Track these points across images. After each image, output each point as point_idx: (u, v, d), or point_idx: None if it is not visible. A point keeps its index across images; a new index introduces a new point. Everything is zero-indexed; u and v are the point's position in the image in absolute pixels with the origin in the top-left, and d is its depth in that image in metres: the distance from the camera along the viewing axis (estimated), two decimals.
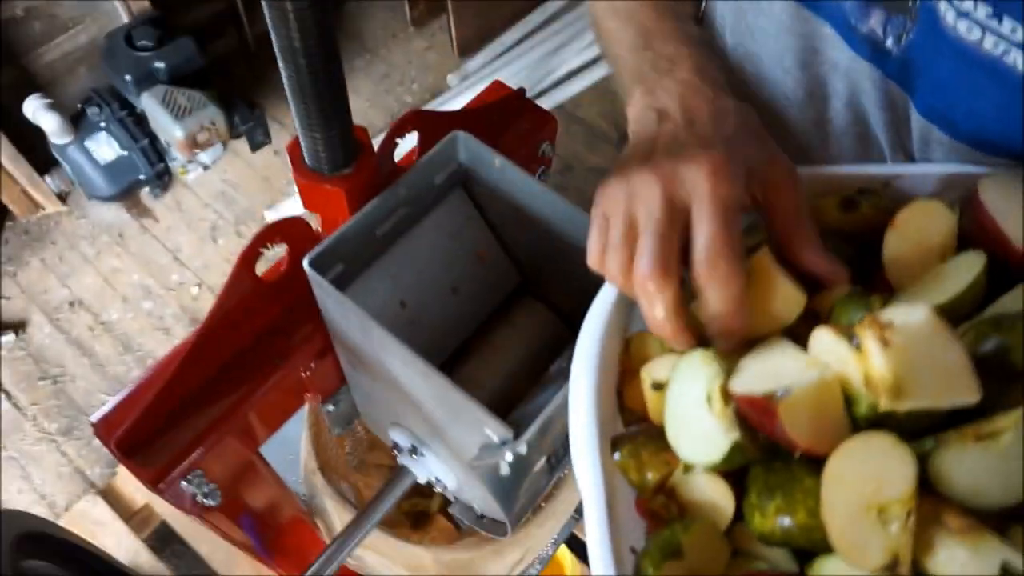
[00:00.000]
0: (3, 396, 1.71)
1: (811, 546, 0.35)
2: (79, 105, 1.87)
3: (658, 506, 0.39)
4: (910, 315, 0.34)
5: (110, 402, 0.57)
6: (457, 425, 0.51)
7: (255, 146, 2.07)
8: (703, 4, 0.61)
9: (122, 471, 1.54)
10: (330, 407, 0.68)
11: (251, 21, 2.14)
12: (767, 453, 0.36)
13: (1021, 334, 0.34)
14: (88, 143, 1.84)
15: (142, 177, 1.91)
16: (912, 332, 0.33)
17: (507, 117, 0.71)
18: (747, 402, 0.34)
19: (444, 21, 2.31)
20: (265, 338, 0.59)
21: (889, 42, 0.45)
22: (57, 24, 1.82)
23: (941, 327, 0.33)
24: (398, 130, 0.59)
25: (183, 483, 0.56)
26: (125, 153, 1.86)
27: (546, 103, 2.15)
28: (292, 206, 1.97)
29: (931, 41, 0.43)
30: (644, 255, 0.37)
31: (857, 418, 0.34)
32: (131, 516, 1.50)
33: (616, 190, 0.40)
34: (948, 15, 0.42)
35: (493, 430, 0.45)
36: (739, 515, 0.38)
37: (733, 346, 0.38)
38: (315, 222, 0.59)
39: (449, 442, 0.55)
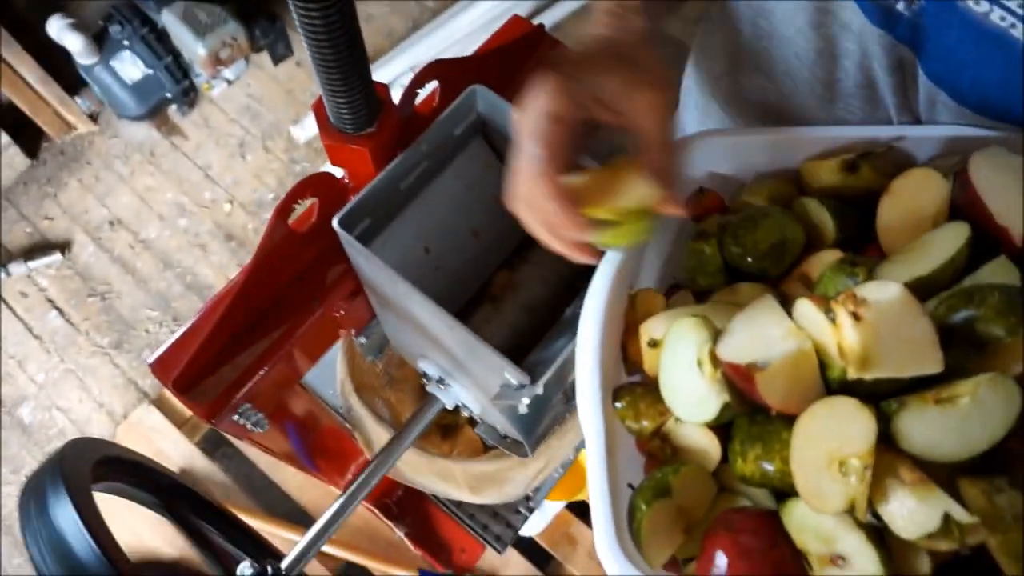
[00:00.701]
0: (57, 313, 1.81)
1: (787, 488, 0.40)
2: (101, 22, 1.87)
3: (654, 448, 0.44)
4: (883, 292, 0.37)
5: (164, 344, 0.62)
6: (479, 367, 0.55)
7: (277, 59, 2.06)
8: None
9: None
10: (363, 339, 0.74)
11: None
12: (751, 408, 0.40)
13: (990, 307, 0.36)
14: (114, 63, 1.85)
15: (168, 95, 1.92)
16: (883, 308, 0.36)
17: (526, 54, 0.72)
18: (731, 368, 0.38)
19: None
20: (301, 283, 0.64)
21: (900, 5, 0.45)
22: None
23: (911, 304, 0.36)
24: (418, 82, 0.61)
25: (235, 416, 0.63)
26: (150, 71, 1.87)
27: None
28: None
29: (941, 9, 0.44)
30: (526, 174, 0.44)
31: (830, 380, 0.38)
32: (183, 423, 1.62)
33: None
34: None
35: (512, 375, 0.50)
36: (725, 457, 0.43)
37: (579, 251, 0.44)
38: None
39: (473, 378, 0.60)
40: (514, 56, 0.71)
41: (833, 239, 0.47)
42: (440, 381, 0.67)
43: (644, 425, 0.44)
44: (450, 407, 0.69)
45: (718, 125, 0.67)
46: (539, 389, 0.50)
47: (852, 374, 0.36)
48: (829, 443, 0.36)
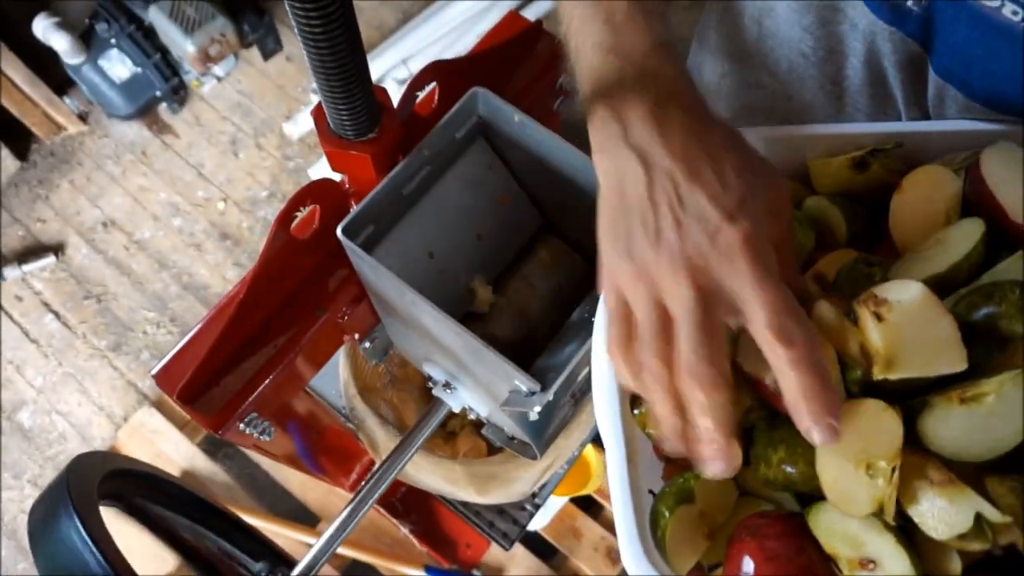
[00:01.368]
0: (53, 316, 1.80)
1: (812, 491, 0.39)
2: (87, 21, 1.85)
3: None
4: (904, 292, 0.36)
5: (167, 356, 0.61)
6: (487, 373, 0.55)
7: (267, 54, 2.04)
8: None
9: None
10: (367, 344, 0.73)
11: None
12: (771, 411, 0.40)
13: (1012, 304, 0.36)
14: (101, 61, 1.83)
15: (158, 93, 1.91)
16: (905, 308, 0.36)
17: (523, 52, 0.71)
18: (753, 380, 0.37)
19: None
20: (304, 290, 0.63)
21: (910, 2, 0.45)
22: None
23: (932, 303, 0.36)
24: (417, 84, 0.60)
25: (240, 425, 0.62)
26: (139, 70, 1.85)
27: None
28: (309, 117, 1.96)
29: (951, 5, 0.43)
30: (691, 356, 0.33)
31: (850, 382, 0.38)
32: (184, 424, 1.61)
33: (635, 281, 0.36)
34: None
35: (522, 382, 0.49)
36: (747, 461, 0.43)
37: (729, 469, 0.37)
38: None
39: (480, 383, 0.59)
40: (512, 54, 0.70)
41: (844, 238, 0.47)
42: (446, 385, 0.66)
43: None
44: (457, 410, 0.69)
45: None
46: (550, 396, 0.49)
47: (878, 375, 0.36)
48: (855, 446, 0.36)
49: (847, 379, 0.38)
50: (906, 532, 0.36)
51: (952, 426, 0.36)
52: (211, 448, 1.61)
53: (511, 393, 0.53)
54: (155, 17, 1.78)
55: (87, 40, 1.82)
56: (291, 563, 0.69)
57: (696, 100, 0.39)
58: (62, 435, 1.69)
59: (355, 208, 0.53)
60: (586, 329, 0.54)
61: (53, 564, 0.47)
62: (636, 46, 0.40)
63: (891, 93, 0.52)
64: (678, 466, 0.45)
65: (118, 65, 1.84)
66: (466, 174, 0.61)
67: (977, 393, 0.35)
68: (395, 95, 0.57)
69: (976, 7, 0.42)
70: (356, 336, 0.72)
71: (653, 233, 0.35)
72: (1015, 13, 0.40)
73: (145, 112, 1.95)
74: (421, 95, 0.62)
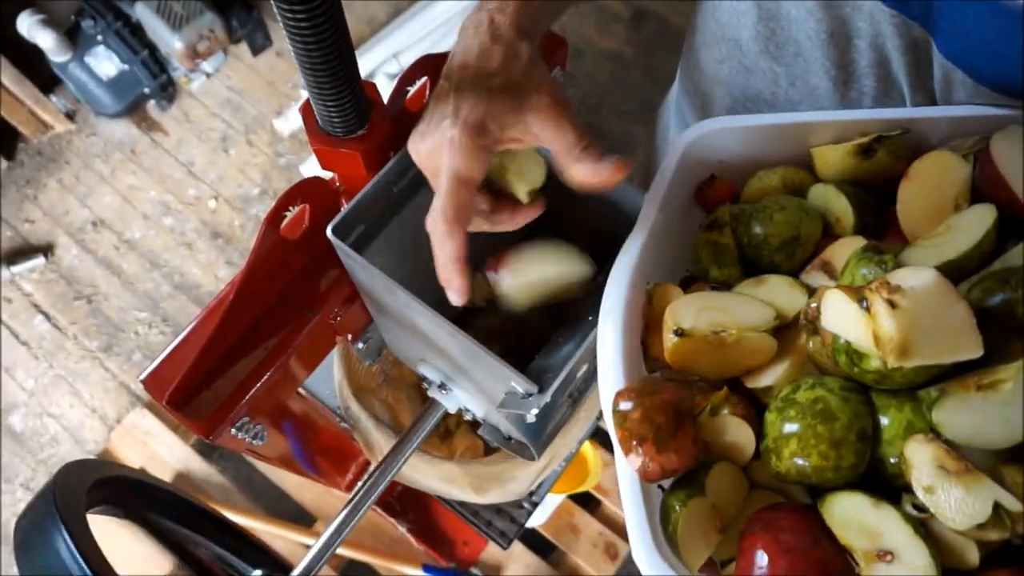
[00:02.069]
0: (43, 317, 1.78)
1: (823, 483, 0.39)
2: (72, 18, 1.82)
3: None
4: (917, 278, 0.35)
5: (156, 360, 0.60)
6: (483, 374, 0.54)
7: (256, 50, 2.02)
8: None
9: None
10: (360, 345, 0.72)
11: None
12: (784, 403, 0.39)
13: None
14: (88, 59, 1.80)
15: (146, 90, 1.88)
16: (919, 294, 0.35)
17: None
18: None
19: None
20: (294, 291, 0.62)
21: None
22: None
23: (946, 288, 0.35)
24: (408, 78, 0.59)
25: (232, 430, 0.61)
26: (126, 67, 1.83)
27: None
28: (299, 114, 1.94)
29: None
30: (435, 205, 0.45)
31: (867, 371, 0.37)
32: (178, 426, 1.59)
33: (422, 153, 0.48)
34: None
35: (519, 384, 0.48)
36: (757, 454, 0.42)
37: (459, 298, 0.47)
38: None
39: (476, 385, 0.58)
40: None
41: (852, 227, 0.46)
42: (442, 386, 0.65)
43: None
44: (452, 411, 0.68)
45: (722, 113, 0.65)
46: (547, 398, 0.48)
47: (892, 363, 0.35)
48: None
49: (861, 368, 0.37)
50: (923, 524, 0.36)
51: (968, 413, 0.35)
52: (206, 449, 1.60)
53: (507, 395, 0.52)
54: (142, 13, 1.75)
55: (73, 37, 1.80)
56: (287, 568, 0.67)
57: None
58: (54, 438, 1.68)
59: (345, 207, 0.51)
60: (583, 328, 0.53)
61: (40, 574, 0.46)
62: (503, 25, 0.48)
63: (896, 78, 0.51)
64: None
65: (105, 62, 1.81)
66: None
67: (995, 380, 0.35)
68: (386, 90, 0.56)
69: None
70: (349, 337, 0.70)
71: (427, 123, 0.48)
72: None
73: (133, 110, 1.93)
74: (412, 90, 0.60)
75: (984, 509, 0.34)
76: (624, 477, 0.41)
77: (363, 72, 0.50)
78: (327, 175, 0.60)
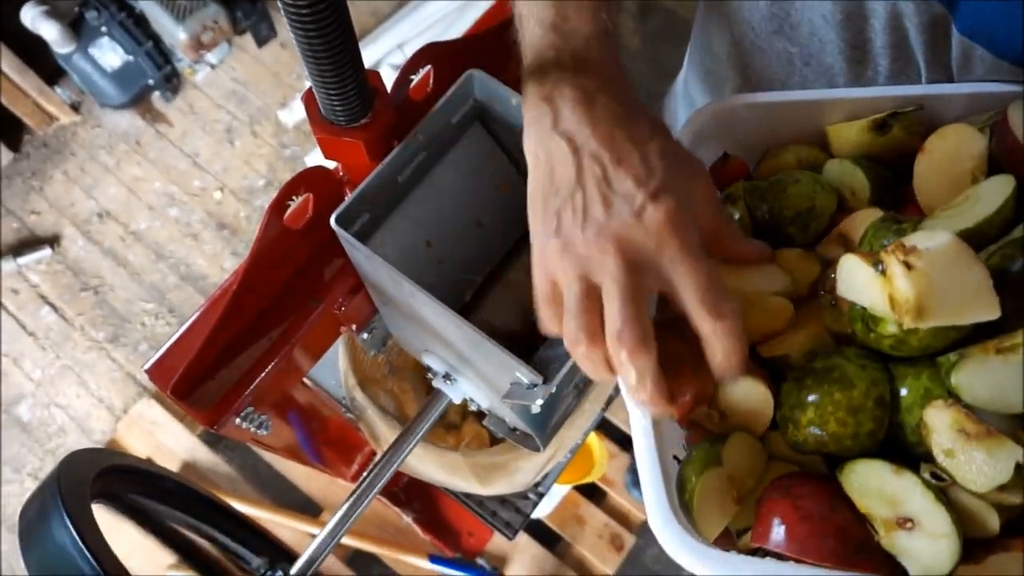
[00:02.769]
0: (50, 308, 1.78)
1: (840, 452, 0.38)
2: (76, 9, 1.82)
3: (701, 416, 0.42)
4: (933, 240, 0.35)
5: (160, 349, 0.60)
6: (488, 364, 0.53)
7: (261, 41, 2.01)
8: None
9: None
10: (365, 335, 0.72)
11: None
12: (801, 372, 0.39)
13: None
14: (92, 50, 1.80)
15: (151, 82, 1.88)
16: (934, 256, 0.35)
17: None
18: None
19: None
20: (299, 281, 0.61)
21: None
22: None
23: (962, 249, 0.35)
24: (411, 67, 0.58)
25: (237, 420, 0.61)
26: (131, 58, 1.82)
27: None
28: None
29: None
30: (618, 321, 0.36)
31: (884, 336, 0.36)
32: (184, 416, 1.60)
33: (561, 256, 0.38)
34: None
35: (523, 374, 0.48)
36: (774, 425, 0.41)
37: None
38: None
39: (481, 375, 0.58)
40: (509, 36, 0.68)
41: (868, 199, 0.45)
42: (446, 376, 0.65)
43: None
44: (457, 402, 0.67)
45: (735, 92, 0.64)
46: (552, 388, 0.48)
47: (908, 324, 0.34)
48: None
49: (878, 332, 0.37)
50: (943, 491, 0.36)
51: (988, 376, 0.35)
52: (212, 440, 1.60)
53: (512, 385, 0.52)
54: (145, 4, 1.75)
55: (77, 29, 1.80)
56: (292, 557, 0.67)
57: (627, 92, 0.40)
58: (61, 428, 1.68)
59: (349, 196, 0.51)
60: None
61: (43, 566, 0.46)
62: (577, 31, 0.41)
63: (913, 56, 0.50)
64: (704, 430, 0.44)
65: (109, 53, 1.81)
66: (463, 161, 0.59)
67: (1015, 343, 0.34)
68: (391, 81, 0.55)
69: None
70: (353, 327, 0.70)
71: (581, 212, 0.37)
72: None
73: (138, 101, 1.93)
74: (415, 79, 0.60)
75: (1006, 470, 0.34)
76: (640, 447, 0.41)
77: (367, 63, 0.49)
78: (332, 165, 0.60)
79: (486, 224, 0.62)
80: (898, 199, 0.47)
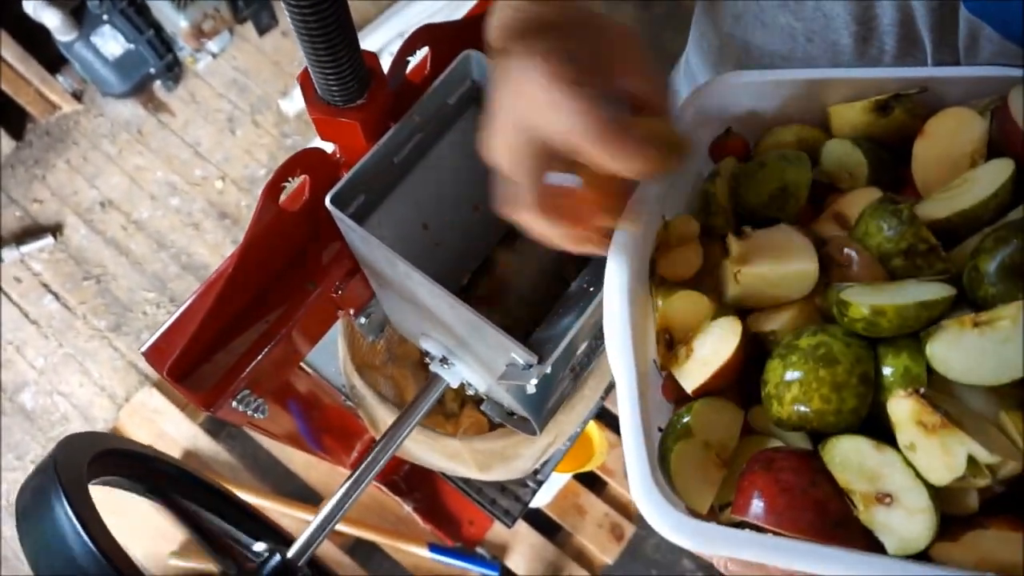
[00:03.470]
0: (52, 297, 1.79)
1: (823, 428, 0.38)
2: None
3: (669, 359, 0.43)
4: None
5: (156, 332, 0.60)
6: (484, 346, 0.53)
7: (262, 30, 2.01)
8: None
9: None
10: (362, 319, 0.71)
11: None
12: (786, 349, 0.39)
13: None
14: (94, 38, 1.80)
15: (152, 70, 1.88)
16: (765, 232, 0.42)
17: None
18: None
19: None
20: (295, 264, 0.61)
21: None
22: None
23: (790, 230, 0.43)
24: (408, 48, 0.58)
25: (233, 403, 0.61)
26: (132, 46, 1.82)
27: None
28: None
29: None
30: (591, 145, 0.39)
31: (856, 320, 0.38)
32: (186, 404, 1.60)
33: (511, 126, 0.41)
34: None
35: (519, 355, 0.48)
36: (757, 399, 0.41)
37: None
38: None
39: (477, 357, 0.58)
40: None
41: (865, 179, 0.45)
42: (443, 360, 0.65)
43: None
44: (455, 386, 0.67)
45: (736, 68, 0.63)
46: (547, 368, 0.48)
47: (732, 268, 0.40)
48: None
49: (850, 316, 0.38)
50: None
51: (963, 349, 0.35)
52: (213, 428, 1.61)
53: (508, 366, 0.51)
54: None
55: (79, 16, 1.79)
56: (291, 542, 0.68)
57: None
58: (64, 416, 1.69)
59: (344, 176, 0.51)
60: (584, 300, 0.52)
61: (40, 547, 0.46)
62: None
63: (919, 35, 0.50)
64: (675, 386, 0.43)
65: (111, 42, 1.81)
66: (460, 142, 0.59)
67: (992, 318, 0.35)
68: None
69: None
70: (351, 311, 0.70)
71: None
72: None
73: (140, 90, 1.92)
74: (413, 61, 0.59)
75: (959, 463, 0.34)
76: (625, 418, 0.40)
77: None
78: (329, 148, 0.59)
79: (483, 207, 0.61)
80: (897, 181, 0.47)
